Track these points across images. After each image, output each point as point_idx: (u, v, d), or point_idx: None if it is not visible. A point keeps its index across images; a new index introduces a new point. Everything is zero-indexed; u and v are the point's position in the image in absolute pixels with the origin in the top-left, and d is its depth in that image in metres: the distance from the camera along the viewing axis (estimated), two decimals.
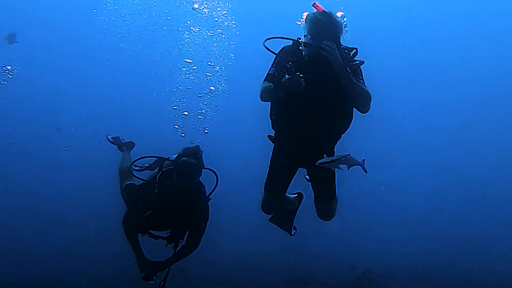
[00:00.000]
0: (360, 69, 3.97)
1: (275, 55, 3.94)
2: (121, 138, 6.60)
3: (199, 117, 10.76)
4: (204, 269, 9.79)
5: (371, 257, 12.63)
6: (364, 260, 12.01)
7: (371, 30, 20.51)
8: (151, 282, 4.65)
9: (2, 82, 13.66)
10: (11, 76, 13.55)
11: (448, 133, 23.73)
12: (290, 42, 4.00)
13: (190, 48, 12.21)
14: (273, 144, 4.25)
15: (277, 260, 11.77)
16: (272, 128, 4.18)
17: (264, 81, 3.95)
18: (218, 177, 4.70)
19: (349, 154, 3.70)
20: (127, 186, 5.29)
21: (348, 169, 3.78)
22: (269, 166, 4.29)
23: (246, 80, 11.02)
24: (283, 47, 3.97)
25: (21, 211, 15.76)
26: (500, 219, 19.03)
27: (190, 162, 4.46)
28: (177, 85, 11.95)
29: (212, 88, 11.12)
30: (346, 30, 4.01)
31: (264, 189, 4.36)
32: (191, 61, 11.62)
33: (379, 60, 23.10)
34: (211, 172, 4.77)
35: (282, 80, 3.60)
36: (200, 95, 11.04)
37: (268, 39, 3.90)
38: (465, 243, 16.00)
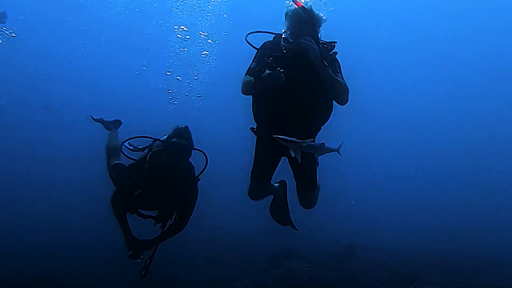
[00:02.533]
0: (338, 63, 4.08)
1: (256, 50, 4.06)
2: (104, 119, 6.54)
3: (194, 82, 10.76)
4: (189, 246, 9.89)
5: (355, 232, 12.94)
6: (348, 235, 12.30)
7: (367, 27, 20.65)
8: (138, 260, 4.67)
9: None
10: None
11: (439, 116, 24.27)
12: (271, 37, 4.14)
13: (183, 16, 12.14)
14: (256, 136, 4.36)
15: (260, 237, 11.92)
16: (254, 120, 4.29)
17: (246, 75, 4.07)
18: (208, 158, 4.72)
19: (323, 143, 3.88)
20: (116, 165, 5.27)
21: (316, 156, 4.14)
22: (254, 156, 4.42)
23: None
24: (264, 42, 4.11)
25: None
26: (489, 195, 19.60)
27: (180, 143, 4.49)
28: (169, 53, 11.89)
29: (205, 53, 11.06)
30: (325, 20, 4.05)
31: (250, 177, 4.51)
32: (187, 29, 11.55)
33: (380, 58, 23.40)
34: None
35: (263, 75, 3.73)
36: (193, 65, 11.02)
37: (250, 33, 4.05)
38: (450, 216, 16.45)
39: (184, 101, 11.27)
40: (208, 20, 12.08)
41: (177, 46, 11.69)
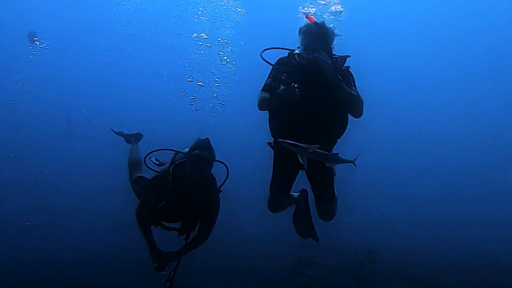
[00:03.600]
0: (352, 76, 4.13)
1: (271, 66, 4.15)
2: (124, 132, 6.68)
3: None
4: (211, 256, 9.97)
5: (374, 237, 12.86)
6: (368, 240, 12.23)
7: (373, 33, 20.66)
8: (163, 272, 4.73)
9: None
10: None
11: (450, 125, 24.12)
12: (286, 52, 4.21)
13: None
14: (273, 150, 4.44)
15: (280, 246, 11.93)
16: (271, 136, 4.36)
17: (262, 91, 4.14)
18: (229, 169, 4.79)
19: (338, 154, 3.88)
20: (138, 178, 5.40)
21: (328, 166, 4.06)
22: (272, 170, 4.50)
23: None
24: (279, 58, 4.19)
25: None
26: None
27: (202, 155, 4.56)
28: (189, 59, 12.11)
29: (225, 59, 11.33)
30: (338, 35, 4.14)
31: (269, 191, 4.56)
32: (207, 37, 11.75)
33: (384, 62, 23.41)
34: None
35: (278, 90, 3.79)
36: (213, 72, 11.23)
37: (265, 50, 4.16)
38: (470, 223, 16.24)
39: (206, 108, 11.48)
40: (227, 28, 12.26)
41: (197, 54, 11.91)
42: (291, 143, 3.67)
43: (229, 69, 11.79)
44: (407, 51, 24.51)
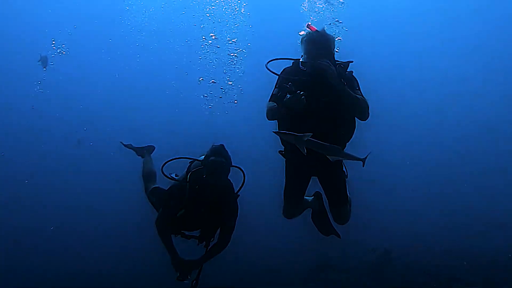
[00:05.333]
0: (356, 80, 4.22)
1: (277, 76, 4.25)
2: (132, 144, 6.72)
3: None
4: (228, 262, 9.98)
5: (390, 237, 12.80)
6: (384, 239, 12.19)
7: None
8: (185, 281, 4.75)
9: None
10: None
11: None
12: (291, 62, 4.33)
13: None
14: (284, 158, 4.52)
15: (296, 250, 11.93)
16: (282, 144, 4.47)
17: (269, 101, 4.25)
18: (245, 174, 4.82)
19: (339, 147, 3.98)
20: (154, 189, 5.44)
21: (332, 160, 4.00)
22: (285, 177, 4.59)
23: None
24: (284, 68, 4.30)
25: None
26: None
27: (219, 160, 4.57)
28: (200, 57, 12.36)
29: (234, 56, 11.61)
30: (339, 40, 4.25)
31: (283, 197, 4.64)
32: (217, 37, 11.96)
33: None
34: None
35: (285, 99, 3.90)
36: (225, 72, 11.46)
37: (270, 61, 4.25)
38: (487, 221, 16.09)
39: (219, 107, 11.55)
40: (235, 28, 12.37)
41: (207, 54, 12.02)
42: (285, 132, 3.81)
43: (239, 68, 11.89)
44: (410, 53, 24.53)
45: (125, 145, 6.77)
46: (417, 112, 24.54)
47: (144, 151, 6.55)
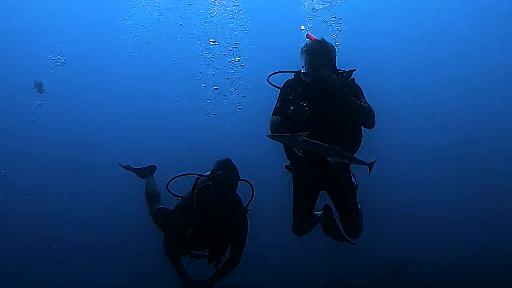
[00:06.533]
0: (360, 88, 4.17)
1: (279, 90, 4.21)
2: (131, 165, 6.45)
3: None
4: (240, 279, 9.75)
5: (403, 250, 12.51)
6: (397, 253, 11.91)
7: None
8: None
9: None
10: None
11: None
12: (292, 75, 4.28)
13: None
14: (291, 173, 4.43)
15: (309, 267, 11.69)
16: (287, 158, 4.37)
17: (272, 115, 4.19)
18: (254, 187, 4.65)
19: (339, 148, 3.87)
20: (160, 210, 5.25)
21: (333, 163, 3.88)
22: (293, 193, 4.47)
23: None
24: (286, 81, 4.26)
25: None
26: None
27: (226, 174, 4.42)
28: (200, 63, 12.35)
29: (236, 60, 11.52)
30: (337, 45, 4.27)
31: (292, 214, 4.50)
32: (217, 43, 11.97)
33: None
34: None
35: (288, 111, 3.84)
36: (227, 78, 11.50)
37: (271, 75, 4.21)
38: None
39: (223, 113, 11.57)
40: (233, 33, 12.37)
41: (207, 60, 12.02)
42: (279, 134, 3.75)
43: (242, 73, 11.91)
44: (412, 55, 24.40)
45: (124, 167, 6.49)
46: (427, 115, 24.15)
47: (146, 172, 6.31)
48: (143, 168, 6.36)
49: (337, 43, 4.29)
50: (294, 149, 3.73)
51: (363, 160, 3.99)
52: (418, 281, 10.20)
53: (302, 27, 4.29)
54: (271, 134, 3.82)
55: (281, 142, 3.81)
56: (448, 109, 24.01)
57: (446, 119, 23.48)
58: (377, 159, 3.99)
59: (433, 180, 21.37)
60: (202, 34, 12.74)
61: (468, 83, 23.33)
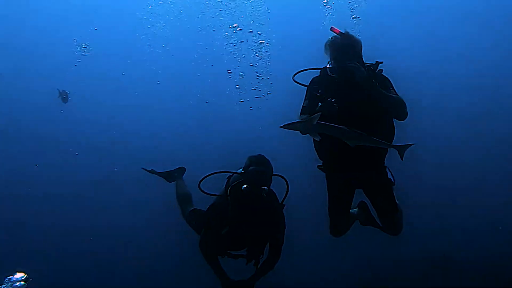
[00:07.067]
0: (388, 79, 4.06)
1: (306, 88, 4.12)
2: (155, 169, 6.27)
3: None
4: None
5: (447, 242, 12.15)
6: (439, 245, 11.56)
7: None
8: None
9: None
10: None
11: None
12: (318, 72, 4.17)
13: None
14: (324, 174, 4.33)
15: (344, 264, 11.47)
16: (319, 158, 4.27)
17: (300, 114, 4.03)
18: (288, 182, 4.56)
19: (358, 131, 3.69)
20: (192, 212, 5.19)
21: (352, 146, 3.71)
22: (327, 193, 4.33)
23: None
24: (312, 79, 4.15)
25: None
26: None
27: (260, 169, 4.33)
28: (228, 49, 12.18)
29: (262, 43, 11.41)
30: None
31: (328, 215, 4.37)
32: (240, 29, 11.84)
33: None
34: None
35: (317, 108, 3.74)
36: (252, 65, 11.44)
37: (296, 73, 4.17)
38: None
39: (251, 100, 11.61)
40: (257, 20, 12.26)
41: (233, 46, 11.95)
42: (292, 122, 3.59)
43: (267, 61, 11.69)
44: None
45: (148, 171, 6.27)
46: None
47: (175, 175, 6.14)
48: (172, 171, 6.20)
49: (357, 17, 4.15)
50: (310, 134, 3.58)
51: (391, 144, 3.85)
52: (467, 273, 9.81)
53: (332, 26, 4.12)
54: (284, 124, 3.62)
55: (295, 129, 3.61)
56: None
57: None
58: (412, 144, 3.82)
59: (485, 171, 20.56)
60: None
61: None
